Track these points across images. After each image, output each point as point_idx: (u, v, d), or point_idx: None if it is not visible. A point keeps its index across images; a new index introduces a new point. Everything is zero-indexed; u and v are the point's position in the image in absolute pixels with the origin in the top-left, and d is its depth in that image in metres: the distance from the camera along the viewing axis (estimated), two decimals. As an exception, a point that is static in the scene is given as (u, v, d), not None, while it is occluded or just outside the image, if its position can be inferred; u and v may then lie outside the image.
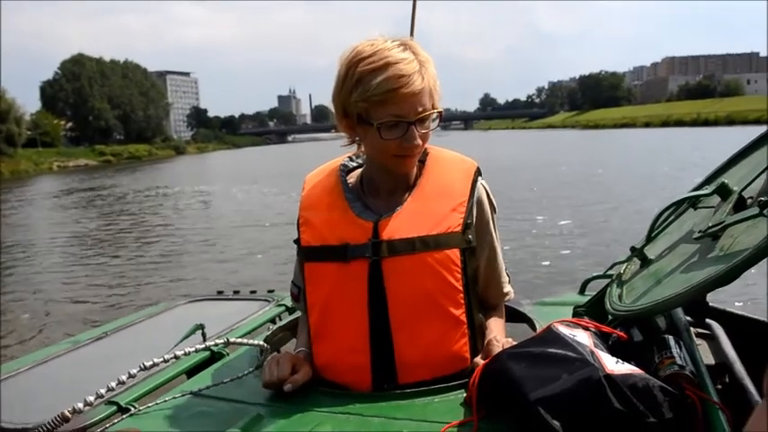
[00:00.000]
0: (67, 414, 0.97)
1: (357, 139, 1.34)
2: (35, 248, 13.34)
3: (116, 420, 1.28)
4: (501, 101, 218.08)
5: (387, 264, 1.27)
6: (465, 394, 1.18)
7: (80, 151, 73.72)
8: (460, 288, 1.29)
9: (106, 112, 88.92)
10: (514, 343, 1.20)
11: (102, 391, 1.01)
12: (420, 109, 1.24)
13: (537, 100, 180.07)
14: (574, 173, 21.57)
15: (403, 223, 1.29)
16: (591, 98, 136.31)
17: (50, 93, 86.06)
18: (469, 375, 1.20)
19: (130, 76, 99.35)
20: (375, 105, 1.23)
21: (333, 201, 1.37)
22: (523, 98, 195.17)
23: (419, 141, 1.26)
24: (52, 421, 0.96)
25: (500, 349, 1.18)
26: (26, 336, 6.85)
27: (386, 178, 1.35)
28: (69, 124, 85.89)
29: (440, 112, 1.29)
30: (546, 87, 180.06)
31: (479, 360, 1.24)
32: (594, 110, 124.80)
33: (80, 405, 0.98)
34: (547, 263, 8.40)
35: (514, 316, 1.75)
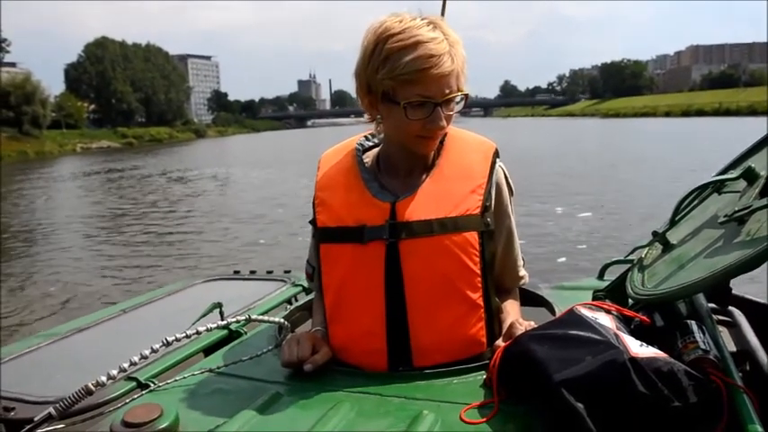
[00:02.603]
0: (91, 387, 0.97)
1: (378, 117, 1.32)
2: (58, 227, 13.56)
3: (135, 396, 1.28)
4: (521, 88, 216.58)
5: (404, 246, 1.25)
6: (485, 376, 1.17)
7: (103, 133, 74.49)
8: (478, 272, 1.27)
9: (128, 95, 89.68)
10: (536, 326, 1.19)
11: (125, 365, 1.02)
12: (447, 90, 1.22)
13: (558, 87, 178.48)
14: (593, 161, 21.37)
15: (421, 205, 1.27)
16: (612, 86, 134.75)
17: (74, 75, 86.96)
18: (488, 358, 1.19)
19: (152, 59, 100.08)
20: (402, 84, 1.20)
21: (349, 181, 1.35)
22: (544, 85, 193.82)
23: (444, 123, 1.24)
24: (76, 393, 0.97)
25: (522, 331, 1.16)
26: (47, 311, 6.97)
27: (404, 158, 1.33)
28: (92, 106, 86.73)
29: (465, 95, 1.26)
30: (567, 75, 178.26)
31: (500, 342, 1.22)
32: (616, 98, 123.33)
33: (103, 379, 0.98)
34: (565, 247, 8.35)
35: (533, 300, 1.74)
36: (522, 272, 1.45)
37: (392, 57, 1.19)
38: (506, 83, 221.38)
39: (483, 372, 1.19)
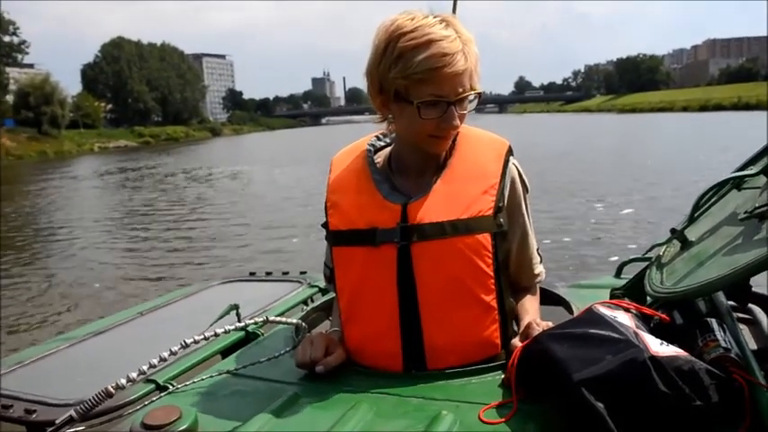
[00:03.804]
0: (111, 390, 0.98)
1: (390, 116, 1.31)
2: (76, 227, 13.70)
3: (154, 398, 1.29)
4: (536, 84, 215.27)
5: (416, 248, 1.24)
6: (503, 376, 1.16)
7: (120, 133, 75.17)
8: (491, 273, 1.26)
9: (145, 95, 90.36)
10: (553, 326, 1.18)
11: (144, 368, 1.02)
12: (461, 89, 1.20)
13: (573, 83, 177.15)
14: (609, 157, 21.21)
15: (432, 207, 1.26)
16: (628, 81, 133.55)
17: (91, 75, 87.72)
18: (505, 359, 1.19)
19: (168, 58, 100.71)
20: (415, 83, 1.19)
21: (360, 183, 1.33)
22: (559, 81, 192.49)
23: (458, 122, 1.23)
24: (96, 396, 0.98)
25: (540, 332, 1.15)
26: (64, 313, 7.06)
27: (416, 158, 1.32)
28: (109, 106, 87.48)
29: (478, 93, 1.25)
30: (582, 70, 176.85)
31: (517, 342, 1.22)
32: (632, 93, 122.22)
33: (123, 381, 0.99)
34: (580, 246, 8.30)
35: (550, 299, 1.72)
36: (539, 269, 1.44)
37: (405, 55, 1.18)
38: (521, 79, 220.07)
39: (501, 371, 1.18)
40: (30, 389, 1.46)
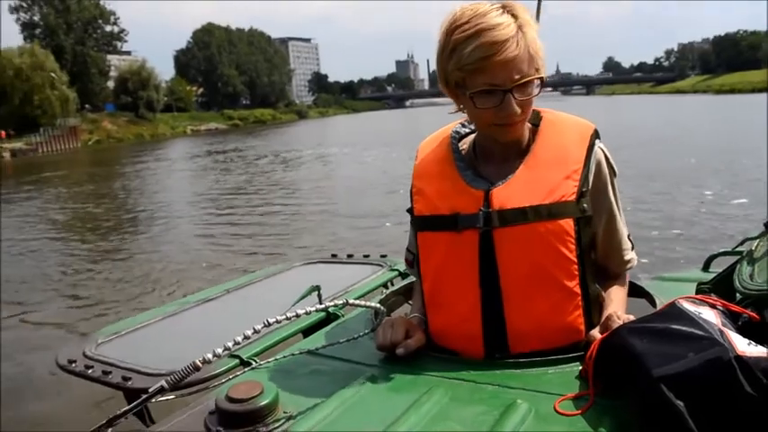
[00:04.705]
0: (199, 364, 1.03)
1: (461, 106, 1.31)
2: (170, 206, 14.41)
3: (238, 373, 1.35)
4: (626, 64, 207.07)
5: (498, 234, 1.25)
6: (580, 367, 1.15)
7: (210, 116, 77.99)
8: (574, 259, 1.25)
9: (234, 79, 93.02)
10: (634, 319, 1.15)
11: (230, 344, 1.07)
12: (517, 76, 1.18)
13: (665, 63, 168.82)
14: (704, 141, 20.14)
15: (514, 192, 1.25)
16: (726, 60, 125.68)
17: (183, 61, 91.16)
18: (584, 348, 1.17)
19: (256, 43, 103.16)
20: (469, 74, 1.19)
21: (444, 169, 1.35)
22: (650, 61, 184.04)
23: (516, 110, 1.21)
24: (185, 369, 1.03)
25: (619, 324, 1.13)
26: (154, 288, 7.44)
27: (498, 144, 1.31)
28: (200, 90, 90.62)
29: (541, 78, 1.22)
30: (675, 49, 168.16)
31: (596, 333, 1.20)
32: (730, 73, 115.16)
33: (209, 356, 1.04)
34: (668, 236, 7.96)
35: (632, 290, 1.67)
36: (629, 255, 1.40)
37: (458, 47, 1.19)
38: (610, 59, 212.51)
39: (578, 363, 1.17)
40: (125, 357, 1.57)
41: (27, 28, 66.48)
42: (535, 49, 1.20)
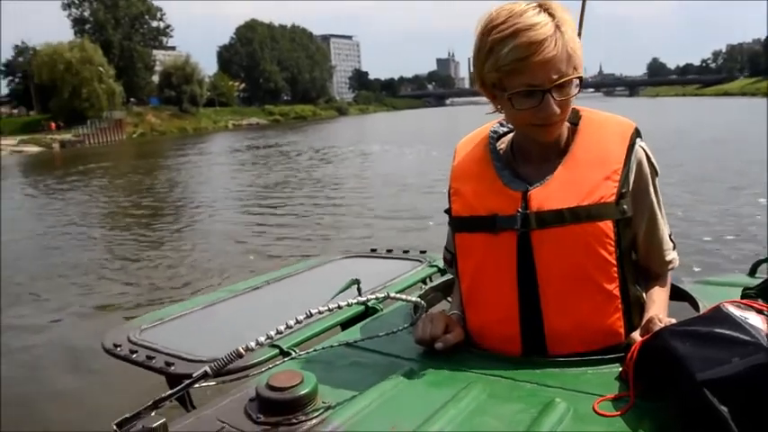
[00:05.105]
0: (242, 351, 1.04)
1: (499, 107, 1.30)
2: (211, 199, 14.64)
3: (278, 362, 1.37)
4: (671, 66, 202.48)
5: (536, 236, 1.24)
6: (620, 369, 1.14)
7: (252, 111, 79.04)
8: (614, 261, 1.23)
9: (275, 75, 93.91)
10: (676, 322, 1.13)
11: (272, 333, 1.09)
12: (555, 76, 1.17)
13: (712, 65, 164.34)
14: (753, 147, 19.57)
15: (553, 194, 1.24)
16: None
17: (226, 56, 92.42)
18: (624, 350, 1.16)
19: (297, 39, 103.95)
20: (507, 75, 1.18)
21: (482, 170, 1.34)
22: (697, 63, 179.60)
23: (556, 110, 1.19)
24: (228, 356, 1.05)
25: (661, 327, 1.11)
26: (196, 277, 7.59)
27: (536, 145, 1.30)
28: (242, 85, 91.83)
29: (580, 77, 1.21)
30: (723, 51, 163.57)
31: (637, 336, 1.19)
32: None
33: (252, 344, 1.06)
34: (712, 242, 7.76)
35: (675, 294, 1.64)
36: (671, 255, 1.38)
37: (494, 48, 1.17)
38: (654, 60, 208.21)
39: (618, 364, 1.16)
40: (168, 343, 1.60)
41: (78, 23, 68.45)
42: (573, 48, 1.18)
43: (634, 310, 1.29)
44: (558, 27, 1.16)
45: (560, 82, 1.18)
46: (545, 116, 1.20)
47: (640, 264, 1.33)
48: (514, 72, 1.17)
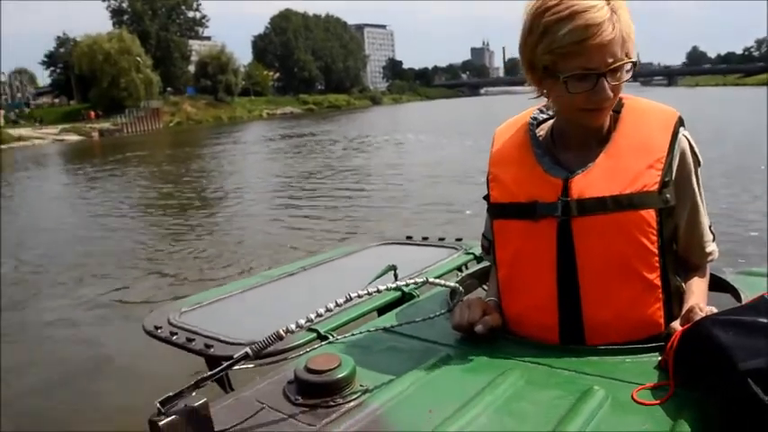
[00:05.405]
0: (282, 333, 1.06)
1: (545, 91, 1.28)
2: (247, 187, 14.80)
3: (316, 346, 1.38)
4: (711, 54, 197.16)
5: (576, 223, 1.22)
6: (659, 358, 1.12)
7: (286, 100, 79.58)
8: (655, 251, 1.21)
9: (309, 64, 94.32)
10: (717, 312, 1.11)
11: (312, 316, 1.10)
12: (611, 60, 1.15)
13: (756, 53, 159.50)
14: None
15: (594, 181, 1.22)
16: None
17: (261, 46, 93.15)
18: (664, 339, 1.14)
19: (331, 29, 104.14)
20: (562, 58, 1.16)
21: (521, 156, 1.33)
22: (739, 51, 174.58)
23: (610, 94, 1.18)
24: (269, 338, 1.06)
25: (702, 317, 1.09)
26: (234, 263, 7.70)
27: (577, 131, 1.28)
28: (277, 75, 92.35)
29: (633, 63, 1.19)
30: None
31: (677, 325, 1.17)
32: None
33: (292, 326, 1.07)
34: (756, 233, 7.58)
35: (716, 284, 1.61)
36: (711, 247, 1.36)
37: (549, 30, 1.15)
38: (694, 49, 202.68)
39: (657, 353, 1.14)
40: (207, 326, 1.63)
41: (116, 14, 69.66)
42: (628, 33, 1.16)
43: (674, 300, 1.27)
44: (614, 10, 1.14)
45: (615, 66, 1.16)
46: (599, 100, 1.18)
47: (679, 254, 1.31)
48: (570, 55, 1.15)
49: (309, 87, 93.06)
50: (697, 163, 1.29)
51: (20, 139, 42.47)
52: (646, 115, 1.29)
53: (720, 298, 1.56)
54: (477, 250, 2.10)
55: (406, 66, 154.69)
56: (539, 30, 1.17)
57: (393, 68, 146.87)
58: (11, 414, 4.14)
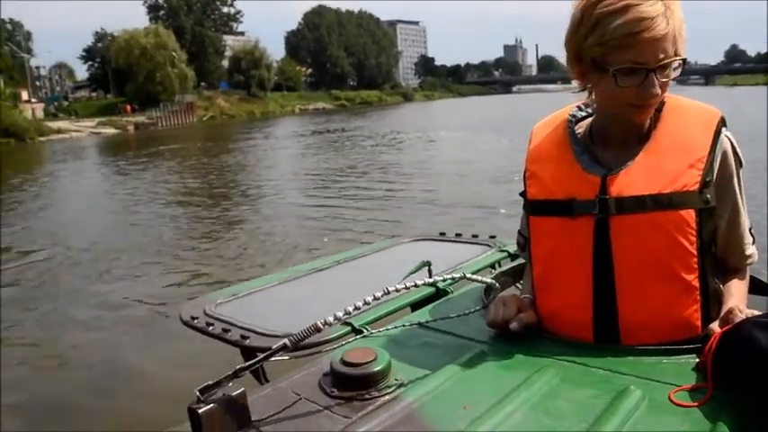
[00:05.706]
0: (320, 326, 1.07)
1: (588, 86, 1.27)
2: (279, 182, 14.93)
3: (350, 339, 1.39)
4: (751, 53, 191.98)
5: (614, 222, 1.21)
6: (697, 359, 1.11)
7: (318, 96, 79.98)
8: (694, 252, 1.19)
9: (342, 60, 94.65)
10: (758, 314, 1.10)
11: (350, 308, 1.11)
12: (662, 56, 1.13)
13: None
14: None
15: (633, 179, 1.21)
16: None
17: (294, 42, 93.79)
18: (702, 341, 1.13)
19: (364, 25, 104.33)
20: (612, 50, 1.14)
21: (560, 153, 1.32)
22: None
23: (658, 90, 1.16)
24: (306, 330, 1.07)
25: (742, 319, 1.07)
26: (268, 256, 7.79)
27: (617, 129, 1.27)
28: (309, 70, 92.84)
29: (684, 60, 1.17)
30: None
31: (715, 327, 1.15)
32: None
33: (330, 319, 1.08)
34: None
35: (756, 288, 1.58)
36: (750, 249, 1.33)
37: (602, 22, 1.14)
38: (733, 47, 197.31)
39: (694, 354, 1.13)
40: (243, 318, 1.64)
41: (152, 10, 70.76)
42: (679, 29, 1.15)
43: (712, 302, 1.25)
44: (667, 6, 1.13)
45: (665, 62, 1.15)
46: (647, 95, 1.17)
47: (718, 256, 1.29)
48: (621, 47, 1.14)
49: (341, 83, 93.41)
50: (739, 164, 1.27)
51: (59, 131, 43.44)
52: (687, 114, 1.28)
53: (757, 300, 1.54)
54: (511, 248, 2.09)
55: (438, 62, 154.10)
56: (590, 21, 1.16)
57: (425, 65, 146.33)
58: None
